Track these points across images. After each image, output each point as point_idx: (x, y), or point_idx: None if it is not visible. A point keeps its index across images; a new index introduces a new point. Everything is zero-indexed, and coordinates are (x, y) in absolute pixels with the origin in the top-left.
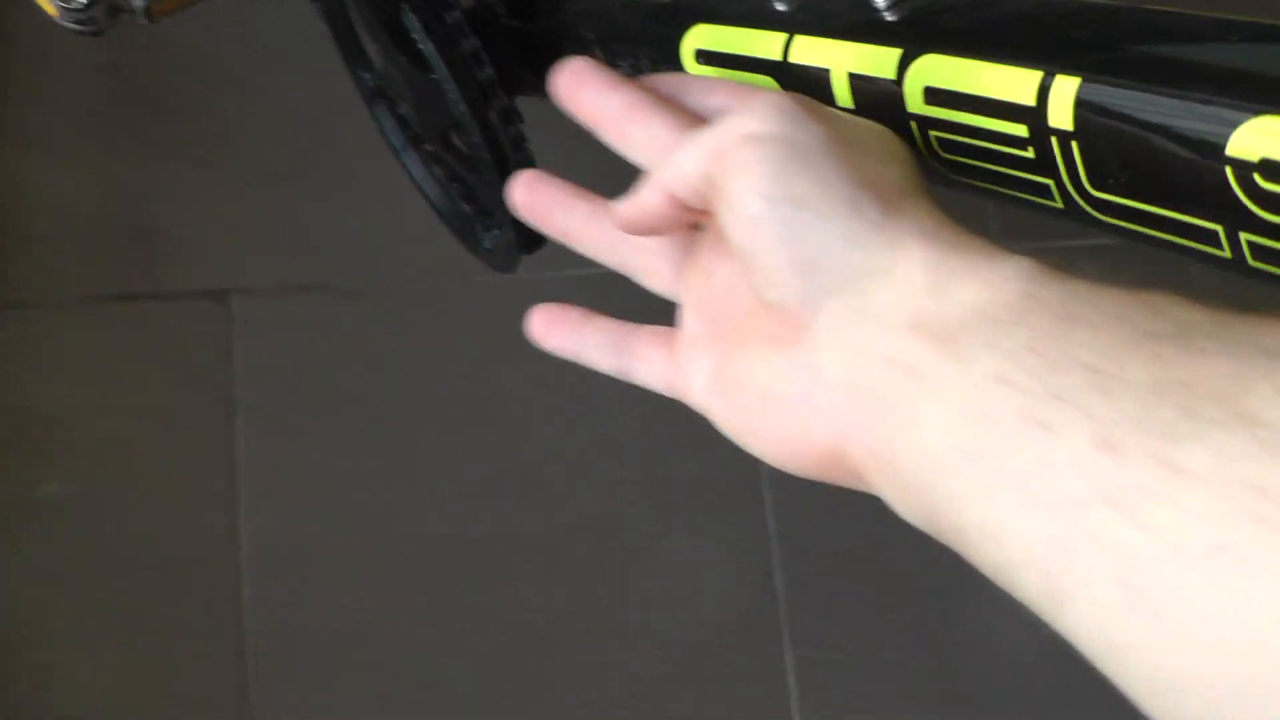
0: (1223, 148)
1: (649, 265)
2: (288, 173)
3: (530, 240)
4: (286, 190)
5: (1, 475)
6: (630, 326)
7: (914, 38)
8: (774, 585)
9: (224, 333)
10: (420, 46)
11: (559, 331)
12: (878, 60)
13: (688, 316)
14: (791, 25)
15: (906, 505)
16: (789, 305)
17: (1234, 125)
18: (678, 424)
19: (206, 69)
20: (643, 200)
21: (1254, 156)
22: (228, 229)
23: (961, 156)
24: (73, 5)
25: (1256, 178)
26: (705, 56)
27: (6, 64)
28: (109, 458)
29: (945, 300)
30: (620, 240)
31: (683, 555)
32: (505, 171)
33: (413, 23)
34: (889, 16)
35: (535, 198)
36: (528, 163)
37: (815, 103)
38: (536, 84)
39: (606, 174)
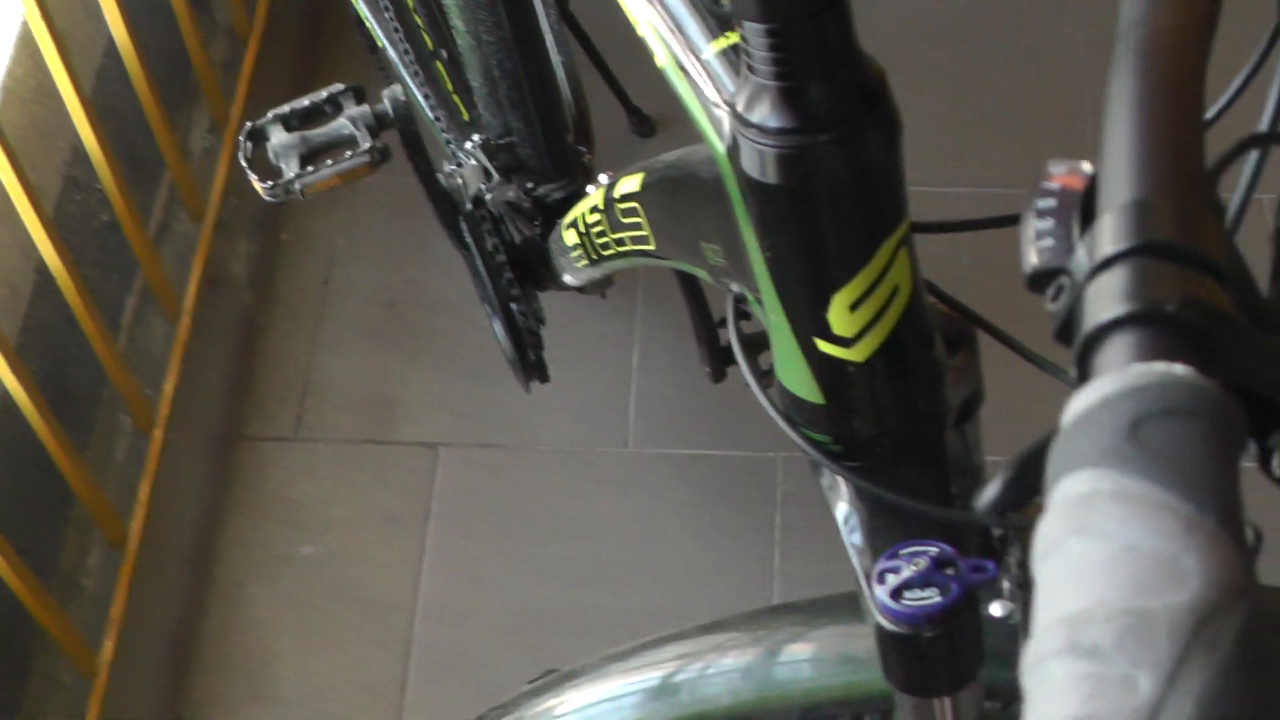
0: None
1: None
2: (481, 368)
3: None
4: (480, 379)
5: (268, 538)
6: None
7: None
8: None
9: (430, 472)
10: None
11: None
12: None
13: None
14: None
15: None
16: None
17: None
18: None
19: (437, 304)
20: None
21: None
22: (438, 402)
23: None
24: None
25: None
26: None
27: (322, 303)
28: (342, 534)
29: None
30: None
31: None
32: (519, 338)
33: (464, 228)
34: None
35: None
36: (536, 333)
37: None
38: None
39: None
